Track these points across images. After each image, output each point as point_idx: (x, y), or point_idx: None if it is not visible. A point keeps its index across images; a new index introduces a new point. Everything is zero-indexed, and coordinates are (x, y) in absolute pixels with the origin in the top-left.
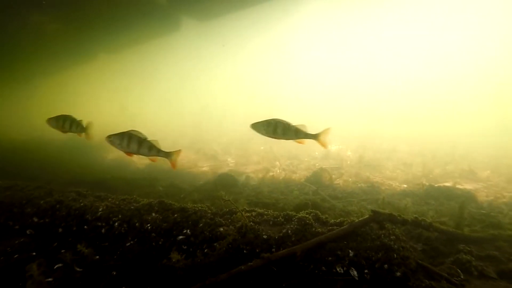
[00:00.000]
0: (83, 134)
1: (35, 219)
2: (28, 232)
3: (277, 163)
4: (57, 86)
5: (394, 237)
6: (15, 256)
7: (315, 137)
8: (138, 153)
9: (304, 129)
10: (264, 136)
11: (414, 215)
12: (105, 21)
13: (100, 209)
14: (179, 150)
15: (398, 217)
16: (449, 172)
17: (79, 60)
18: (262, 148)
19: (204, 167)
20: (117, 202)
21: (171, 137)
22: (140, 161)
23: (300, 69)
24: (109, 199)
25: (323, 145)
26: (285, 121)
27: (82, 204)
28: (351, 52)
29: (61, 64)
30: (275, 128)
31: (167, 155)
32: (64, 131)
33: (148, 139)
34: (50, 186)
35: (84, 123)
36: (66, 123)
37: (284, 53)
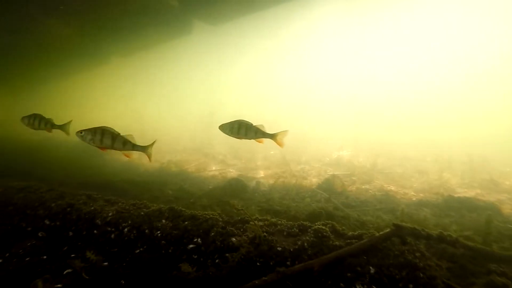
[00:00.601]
0: (52, 131)
1: (47, 222)
2: (39, 234)
3: (288, 168)
4: (70, 89)
5: (419, 253)
6: (27, 259)
7: (272, 136)
8: (112, 147)
9: (263, 129)
10: (230, 136)
11: (439, 230)
12: (117, 25)
13: (110, 214)
14: (153, 142)
15: (422, 232)
16: (467, 182)
17: (92, 63)
18: (272, 152)
19: (213, 171)
20: (127, 207)
21: (180, 141)
22: (149, 164)
23: (311, 74)
24: (119, 204)
25: (280, 144)
26: (247, 122)
27: (92, 208)
28: (362, 57)
29: (75, 68)
30: (239, 129)
31: (143, 148)
32: (35, 129)
33: (122, 135)
34: (62, 189)
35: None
36: (36, 120)
37: (296, 58)
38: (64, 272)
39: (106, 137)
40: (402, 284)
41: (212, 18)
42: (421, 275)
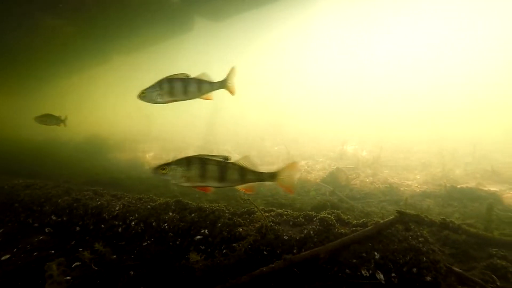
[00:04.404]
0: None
1: (54, 218)
2: (46, 230)
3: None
4: (72, 88)
5: (422, 239)
6: (35, 254)
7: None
8: None
9: (61, 119)
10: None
11: (441, 217)
12: (118, 23)
13: (116, 208)
14: None
15: (425, 219)
16: (470, 173)
17: (93, 62)
18: (276, 148)
19: None
20: (134, 201)
21: (185, 138)
22: (154, 161)
23: (313, 70)
24: (126, 198)
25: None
26: (53, 114)
27: (99, 203)
28: (364, 53)
29: (76, 67)
30: (46, 119)
31: None
32: None
33: None
34: (68, 185)
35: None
36: None
37: (297, 54)
38: (73, 265)
39: None
40: (406, 268)
41: (213, 14)
42: (425, 259)
